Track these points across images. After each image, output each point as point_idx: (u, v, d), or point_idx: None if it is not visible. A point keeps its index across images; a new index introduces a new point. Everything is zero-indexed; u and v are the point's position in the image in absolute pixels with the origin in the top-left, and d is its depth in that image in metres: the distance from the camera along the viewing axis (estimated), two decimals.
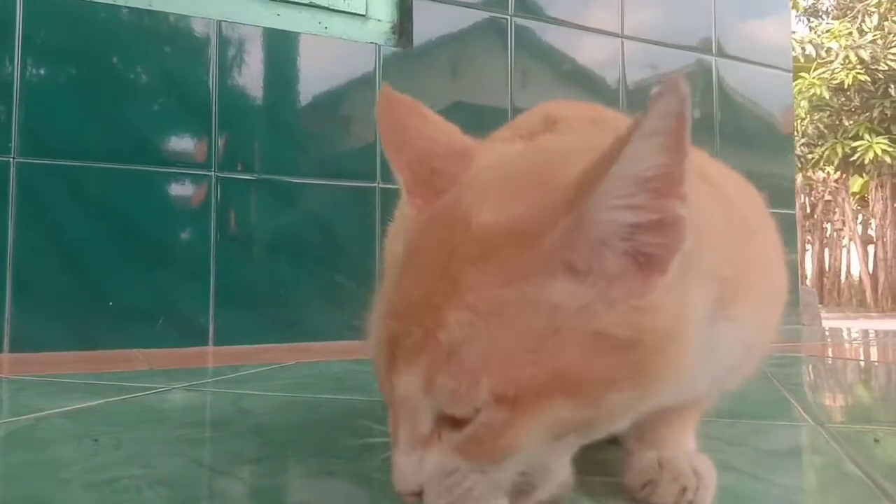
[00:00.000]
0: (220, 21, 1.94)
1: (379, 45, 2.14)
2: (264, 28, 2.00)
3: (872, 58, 9.32)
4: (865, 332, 2.87)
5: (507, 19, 2.34)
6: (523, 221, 0.42)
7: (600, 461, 0.70)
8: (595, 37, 2.53)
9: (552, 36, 2.44)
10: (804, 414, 1.00)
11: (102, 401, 1.04)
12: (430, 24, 2.20)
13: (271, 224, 1.99)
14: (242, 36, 1.98)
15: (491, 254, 0.42)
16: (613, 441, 0.74)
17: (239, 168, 1.95)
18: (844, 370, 1.64)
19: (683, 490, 0.55)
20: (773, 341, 0.61)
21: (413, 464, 0.45)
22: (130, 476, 0.66)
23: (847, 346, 2.37)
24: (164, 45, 1.89)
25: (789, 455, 0.78)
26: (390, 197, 2.07)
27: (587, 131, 0.63)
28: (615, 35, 2.56)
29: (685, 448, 0.59)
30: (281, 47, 2.04)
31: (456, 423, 0.43)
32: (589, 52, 2.53)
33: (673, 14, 2.75)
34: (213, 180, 1.92)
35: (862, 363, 1.79)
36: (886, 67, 9.29)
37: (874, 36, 9.52)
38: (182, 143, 1.90)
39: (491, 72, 2.33)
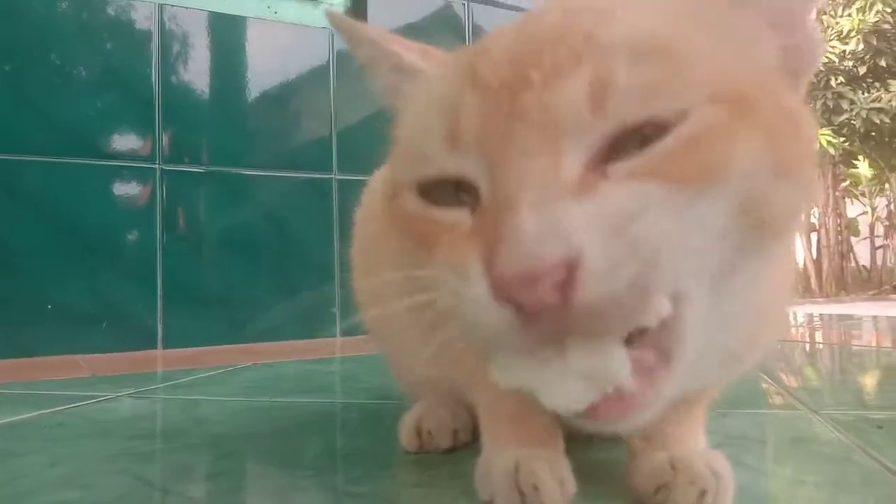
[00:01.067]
0: (163, 4, 1.83)
1: (332, 31, 2.05)
2: (210, 12, 1.90)
3: None
4: (810, 316, 2.91)
5: (464, 4, 2.28)
6: None
7: (598, 462, 0.64)
8: None
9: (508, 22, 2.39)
10: (794, 401, 0.96)
11: (36, 413, 0.94)
12: (386, 8, 2.13)
13: (222, 219, 1.89)
14: (186, 20, 1.87)
15: None
16: (613, 439, 0.69)
17: (186, 160, 1.84)
18: (796, 353, 1.63)
19: (702, 493, 0.49)
20: (783, 332, 0.55)
21: (552, 221, 0.32)
22: (65, 500, 0.57)
23: (793, 330, 2.39)
24: (102, 31, 1.77)
25: (795, 446, 0.73)
26: (348, 189, 1.99)
27: None
28: None
29: (697, 446, 0.54)
30: (228, 32, 1.94)
31: (642, 140, 0.34)
32: None
33: None
34: (159, 174, 1.81)
35: (809, 345, 1.78)
36: (827, 60, 9.54)
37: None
38: (124, 135, 1.79)
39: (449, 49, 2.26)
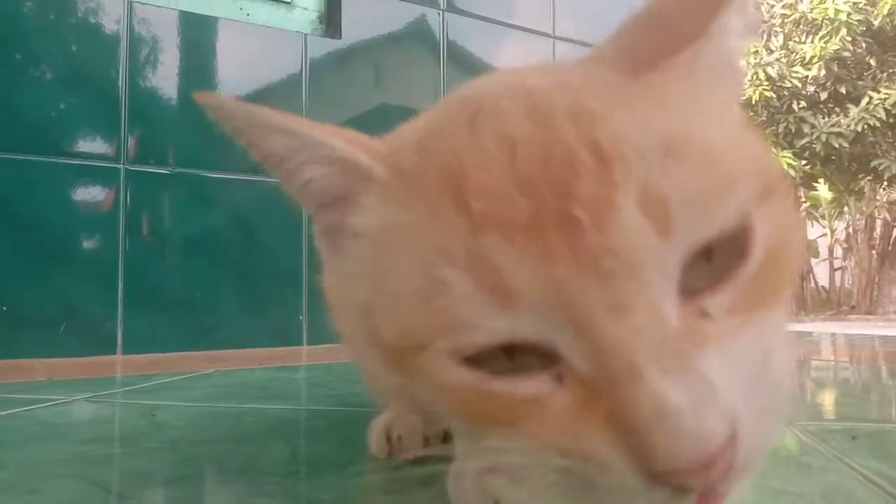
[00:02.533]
0: (132, 2, 1.79)
1: (305, 35, 2.03)
2: (180, 11, 1.87)
3: (779, 75, 9.80)
4: None
5: (439, 14, 2.27)
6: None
7: None
8: (527, 36, 2.50)
9: (483, 34, 2.39)
10: None
11: None
12: (360, 13, 2.12)
13: (187, 222, 1.85)
14: (156, 19, 1.83)
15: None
16: None
17: (151, 162, 1.80)
18: None
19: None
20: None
21: (698, 389, 0.27)
22: None
23: None
24: (69, 26, 1.73)
25: (775, 457, 0.73)
26: None
27: None
28: (547, 35, 2.53)
29: None
30: (198, 33, 1.91)
31: (728, 262, 0.30)
32: (521, 53, 2.49)
33: (604, 17, 2.75)
34: (123, 174, 1.77)
35: None
36: (790, 84, 9.78)
37: (779, 55, 10.01)
38: (88, 134, 1.74)
39: (423, 63, 2.25)
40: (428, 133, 0.38)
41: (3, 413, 0.92)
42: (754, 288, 0.31)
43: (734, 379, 0.29)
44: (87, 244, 1.74)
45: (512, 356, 0.31)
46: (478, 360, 0.32)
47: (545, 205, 0.30)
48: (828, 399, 1.20)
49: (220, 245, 1.89)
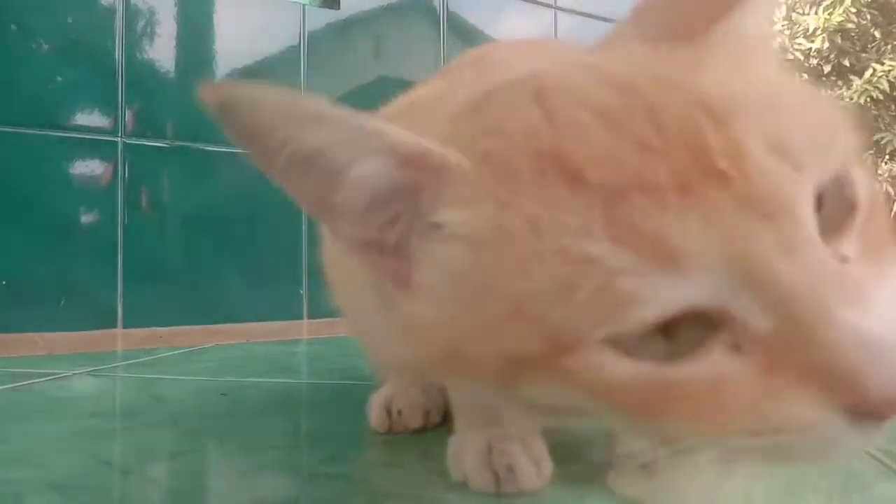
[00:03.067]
0: None
1: (303, 5, 2.01)
2: None
3: (781, 48, 9.73)
4: None
5: None
6: None
7: (576, 443, 0.63)
8: (528, 7, 2.47)
9: (483, 5, 2.36)
10: None
11: None
12: None
13: (187, 195, 1.84)
14: None
15: None
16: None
17: (149, 135, 1.79)
18: None
19: None
20: None
21: (889, 319, 0.27)
22: (14, 479, 0.54)
23: None
24: (65, 1, 1.71)
25: None
26: None
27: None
28: (548, 6, 2.50)
29: None
30: (196, 4, 1.87)
31: (843, 214, 0.30)
32: (522, 25, 2.46)
33: None
34: (121, 147, 1.75)
35: None
36: (793, 57, 9.70)
37: (782, 27, 9.92)
38: (84, 106, 1.72)
39: (423, 35, 2.23)
40: (483, 117, 0.35)
41: (4, 387, 0.92)
42: (870, 240, 0.30)
43: None
44: (86, 218, 1.73)
45: (670, 335, 0.29)
46: (635, 350, 0.29)
47: (682, 163, 0.28)
48: None
49: (220, 219, 1.88)
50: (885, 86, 8.35)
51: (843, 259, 0.29)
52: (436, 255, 0.33)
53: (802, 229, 0.28)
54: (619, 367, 0.29)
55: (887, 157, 9.20)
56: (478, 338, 0.31)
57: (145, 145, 1.78)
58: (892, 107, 8.66)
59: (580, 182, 0.29)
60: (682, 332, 0.28)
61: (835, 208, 0.30)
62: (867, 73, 8.44)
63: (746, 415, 0.28)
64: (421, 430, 0.69)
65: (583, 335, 0.29)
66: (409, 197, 0.33)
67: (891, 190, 6.57)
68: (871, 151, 9.23)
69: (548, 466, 0.51)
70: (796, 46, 9.75)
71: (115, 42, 1.75)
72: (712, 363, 0.28)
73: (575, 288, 0.28)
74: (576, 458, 0.58)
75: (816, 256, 0.28)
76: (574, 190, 0.29)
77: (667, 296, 0.27)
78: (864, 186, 0.31)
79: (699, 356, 0.28)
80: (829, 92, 8.87)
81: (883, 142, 8.72)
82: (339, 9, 2.06)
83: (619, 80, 0.32)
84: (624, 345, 0.29)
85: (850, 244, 0.30)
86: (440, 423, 0.70)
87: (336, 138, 0.33)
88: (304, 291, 1.96)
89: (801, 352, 0.27)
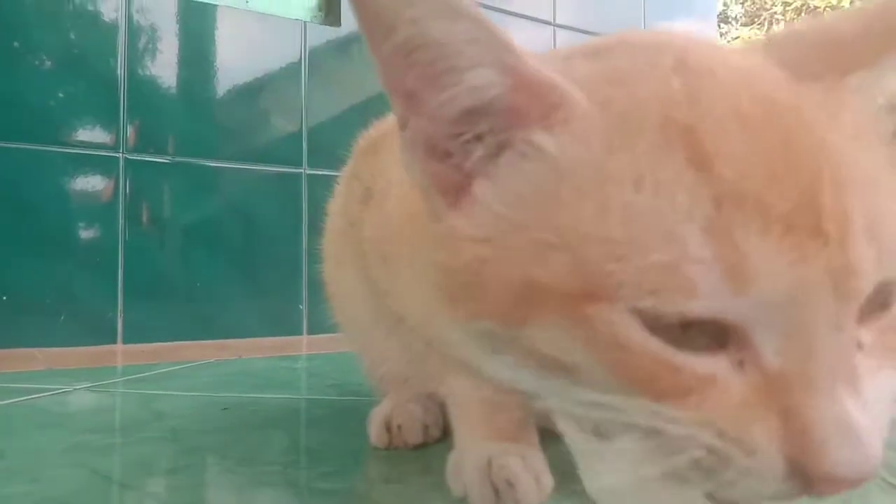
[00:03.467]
0: None
1: (305, 22, 2.02)
2: None
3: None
4: None
5: None
6: None
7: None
8: (527, 24, 2.48)
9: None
10: None
11: None
12: None
13: (187, 211, 1.85)
14: (155, 7, 1.82)
15: None
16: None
17: (151, 150, 1.80)
18: None
19: None
20: None
21: (874, 425, 0.30)
22: (13, 494, 0.54)
23: None
24: (67, 14, 1.72)
25: None
26: (318, 184, 1.96)
27: None
28: (547, 23, 2.52)
29: None
30: (197, 20, 1.89)
31: (872, 307, 0.31)
32: (521, 40, 2.48)
33: (605, 4, 2.74)
34: (122, 163, 1.76)
35: None
36: None
37: None
38: (87, 123, 1.73)
39: None
40: (616, 70, 0.35)
41: (3, 402, 0.92)
42: (889, 339, 0.32)
43: (879, 419, 0.31)
44: (87, 233, 1.74)
45: (686, 329, 0.30)
46: (652, 325, 0.30)
47: (795, 203, 0.29)
48: None
49: (221, 234, 1.89)
50: None
51: (859, 346, 0.31)
52: (512, 175, 0.34)
53: (853, 314, 0.30)
54: (634, 335, 0.30)
55: None
56: (511, 259, 0.32)
57: (147, 161, 1.79)
58: None
59: (706, 169, 0.30)
60: (698, 330, 0.30)
61: (870, 300, 0.31)
62: None
63: (718, 415, 0.30)
64: (420, 446, 0.69)
65: (624, 296, 0.30)
66: (509, 119, 0.34)
67: None
68: None
69: (548, 481, 0.51)
70: None
71: (117, 58, 1.76)
72: (715, 365, 0.30)
73: (647, 252, 0.29)
74: (576, 473, 0.58)
75: (850, 342, 0.30)
76: (697, 172, 0.30)
77: (720, 304, 0.29)
78: None
79: (707, 356, 0.30)
80: None
81: None
82: (340, 26, 2.07)
83: (765, 92, 0.32)
84: (648, 317, 0.30)
85: (867, 335, 0.32)
86: (440, 438, 0.70)
87: (466, 38, 0.32)
88: (303, 307, 1.96)
89: (791, 399, 0.30)
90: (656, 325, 0.30)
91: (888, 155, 0.34)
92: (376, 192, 0.57)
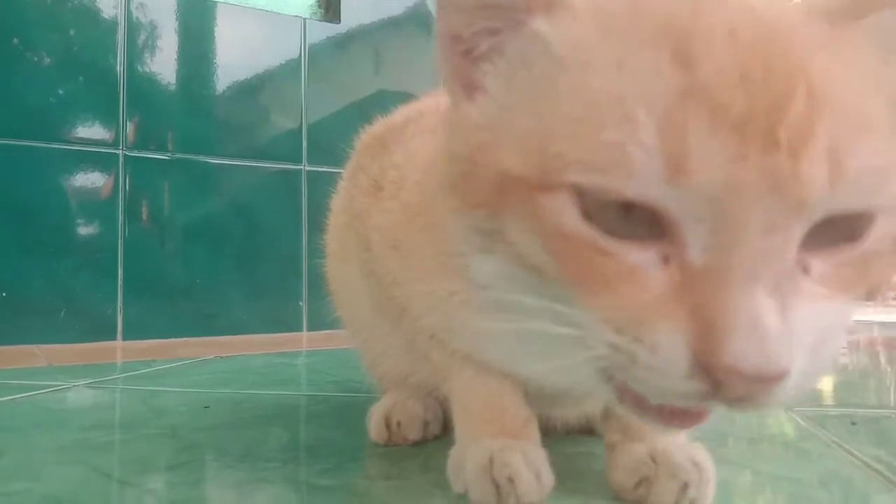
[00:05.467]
0: None
1: (304, 19, 2.02)
2: None
3: None
4: None
5: None
6: None
7: (576, 454, 0.63)
8: None
9: None
10: None
11: None
12: (360, 2, 2.10)
13: (187, 208, 1.85)
14: (154, 3, 1.81)
15: None
16: (590, 432, 0.68)
17: (151, 147, 1.79)
18: None
19: (685, 486, 0.48)
20: None
21: (789, 328, 0.31)
22: (13, 492, 0.54)
23: None
24: (67, 11, 1.71)
25: (774, 442, 0.73)
26: (318, 180, 1.96)
27: None
28: None
29: (676, 438, 0.52)
30: (197, 17, 1.89)
31: (835, 237, 0.32)
32: None
33: None
34: (122, 160, 1.76)
35: None
36: None
37: None
38: (86, 119, 1.73)
39: (423, 48, 2.24)
40: None
41: (3, 399, 0.92)
42: (848, 272, 0.33)
43: (804, 337, 0.31)
44: (87, 230, 1.74)
45: (626, 217, 0.32)
46: (593, 212, 0.33)
47: (756, 110, 0.30)
48: (826, 385, 1.21)
49: (220, 231, 1.89)
50: None
51: (805, 269, 0.32)
52: (514, 65, 0.38)
53: (791, 224, 0.31)
54: (571, 221, 0.33)
55: None
56: (500, 146, 0.36)
57: (146, 158, 1.79)
58: None
59: (686, 67, 0.31)
60: (636, 220, 0.32)
61: (840, 230, 0.32)
62: None
63: (629, 311, 0.33)
64: (420, 442, 0.69)
65: (570, 175, 0.32)
66: (517, 11, 0.37)
67: None
68: None
69: (549, 478, 0.50)
70: None
71: (116, 55, 1.76)
72: (644, 257, 0.33)
73: (602, 130, 0.32)
74: (576, 469, 0.58)
75: (780, 247, 0.31)
76: (675, 69, 0.31)
77: (654, 190, 0.31)
78: (880, 239, 0.33)
79: (637, 247, 0.33)
80: None
81: None
82: (339, 22, 2.07)
83: (766, 17, 0.34)
84: (586, 205, 0.33)
85: (822, 266, 0.32)
86: (439, 434, 0.70)
87: None
88: (303, 303, 1.96)
89: (704, 294, 0.31)
90: (596, 212, 0.33)
91: (891, 102, 0.34)
92: (387, 183, 0.58)
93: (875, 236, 0.33)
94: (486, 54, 0.39)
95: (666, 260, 0.32)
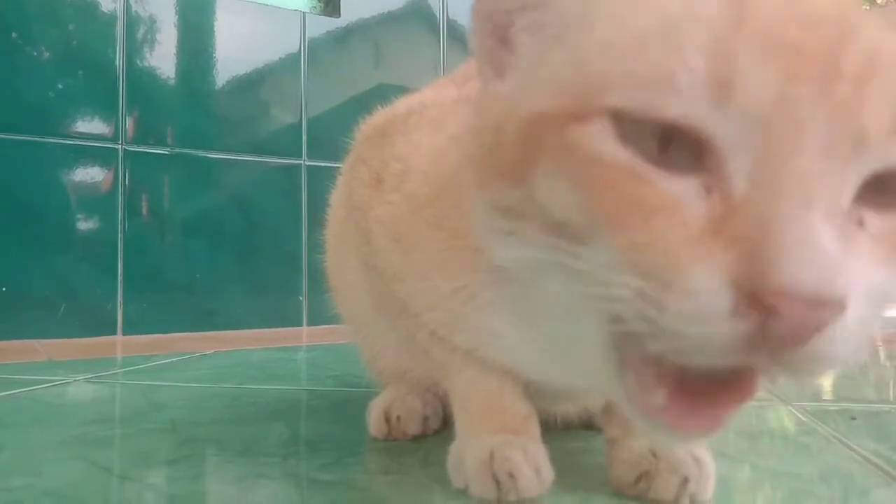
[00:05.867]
0: None
1: (304, 13, 2.01)
2: None
3: None
4: None
5: None
6: None
7: (576, 450, 0.63)
8: None
9: None
10: (763, 393, 0.96)
11: None
12: None
13: (187, 203, 1.84)
14: None
15: None
16: (590, 427, 0.68)
17: (150, 142, 1.79)
18: None
19: (685, 481, 0.48)
20: None
21: (846, 254, 0.28)
22: (13, 487, 0.54)
23: None
24: (66, 5, 1.71)
25: (773, 437, 0.73)
26: (317, 175, 1.96)
27: None
28: None
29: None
30: (196, 11, 1.88)
31: (891, 202, 0.30)
32: None
33: None
34: (121, 154, 1.76)
35: None
36: None
37: None
38: (85, 113, 1.73)
39: (423, 42, 2.24)
40: None
41: (3, 394, 0.92)
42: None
43: (859, 287, 0.29)
44: (87, 225, 1.73)
45: (665, 150, 0.31)
46: (631, 141, 0.31)
47: (813, 43, 0.29)
48: (826, 380, 1.21)
49: (220, 226, 1.89)
50: None
51: (859, 223, 0.30)
52: (548, 15, 0.37)
53: (844, 163, 0.29)
54: (609, 146, 0.31)
55: None
56: (528, 96, 0.35)
57: (146, 152, 1.78)
58: None
59: (748, 21, 0.30)
60: (674, 152, 0.30)
61: (892, 198, 0.31)
62: None
63: (661, 249, 0.30)
64: (419, 437, 0.69)
65: (609, 97, 0.31)
66: None
67: None
68: None
69: (549, 473, 0.50)
70: None
71: (115, 49, 1.76)
72: (684, 185, 0.30)
73: (647, 49, 0.30)
74: (576, 465, 0.58)
75: (836, 185, 0.29)
76: (736, 25, 0.30)
77: (699, 111, 0.29)
78: None
79: (677, 175, 0.30)
80: None
81: None
82: (339, 16, 2.07)
83: None
84: (625, 133, 0.31)
85: (878, 222, 0.30)
86: (438, 430, 0.70)
87: None
88: (303, 298, 1.96)
89: (750, 226, 0.28)
90: (634, 140, 0.31)
91: None
92: (389, 175, 0.57)
93: None
94: (513, 42, 0.39)
95: (708, 191, 0.30)
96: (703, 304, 0.28)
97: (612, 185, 0.31)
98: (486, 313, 0.48)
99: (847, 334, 0.28)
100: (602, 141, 0.31)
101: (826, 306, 0.27)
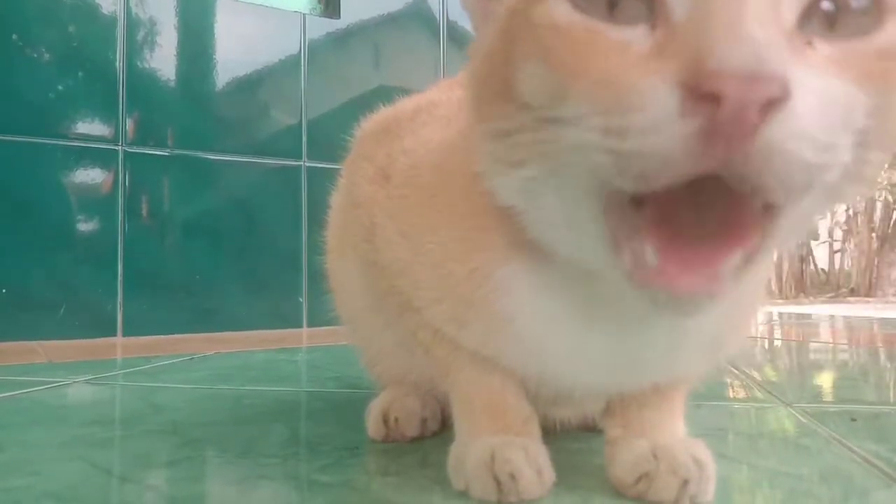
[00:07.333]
0: None
1: (304, 15, 2.01)
2: None
3: None
4: (769, 314, 2.96)
5: None
6: None
7: (576, 451, 0.63)
8: None
9: None
10: (765, 394, 0.96)
11: None
12: None
13: (186, 204, 1.85)
14: None
15: None
16: (590, 428, 0.68)
17: (150, 143, 1.79)
18: (757, 349, 1.64)
19: (685, 483, 0.48)
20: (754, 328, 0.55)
21: (776, 46, 0.29)
22: (13, 488, 0.54)
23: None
24: (66, 7, 1.71)
25: (774, 438, 0.73)
26: (317, 177, 1.96)
27: None
28: None
29: (677, 434, 0.52)
30: (196, 13, 1.88)
31: (844, 34, 0.32)
32: None
33: None
34: (121, 156, 1.76)
35: (769, 342, 1.80)
36: None
37: None
38: (86, 115, 1.73)
39: (423, 44, 2.24)
40: None
41: (3, 395, 0.92)
42: (863, 63, 0.32)
43: (805, 84, 0.30)
44: (87, 226, 1.74)
45: (613, 11, 0.34)
46: (581, 6, 0.35)
47: None
48: (826, 381, 1.21)
49: (220, 227, 1.89)
50: None
51: (808, 44, 0.32)
52: None
53: None
54: (562, 13, 0.35)
55: (886, 164, 9.19)
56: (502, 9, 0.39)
57: (146, 154, 1.78)
58: None
59: None
60: (622, 10, 0.34)
61: (852, 21, 0.32)
62: None
63: (615, 81, 0.32)
64: (418, 439, 0.69)
65: None
66: None
67: (889, 197, 6.57)
68: None
69: (550, 474, 0.50)
70: None
71: (115, 51, 1.76)
72: (627, 32, 0.33)
73: None
74: (577, 465, 0.58)
75: (765, 3, 0.30)
76: None
77: None
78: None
79: (626, 26, 0.34)
80: None
81: None
82: (339, 18, 2.07)
83: None
84: (575, 3, 0.35)
85: (829, 48, 0.32)
86: (437, 431, 0.70)
87: None
88: (303, 300, 1.96)
89: (688, 38, 0.31)
90: (585, 7, 0.35)
91: None
92: (397, 170, 0.57)
93: (891, 36, 0.33)
94: None
95: (653, 28, 0.33)
96: (654, 112, 0.30)
97: (570, 45, 0.35)
98: (499, 295, 0.48)
99: (800, 128, 0.29)
100: (557, 11, 0.35)
101: (761, 80, 0.28)
